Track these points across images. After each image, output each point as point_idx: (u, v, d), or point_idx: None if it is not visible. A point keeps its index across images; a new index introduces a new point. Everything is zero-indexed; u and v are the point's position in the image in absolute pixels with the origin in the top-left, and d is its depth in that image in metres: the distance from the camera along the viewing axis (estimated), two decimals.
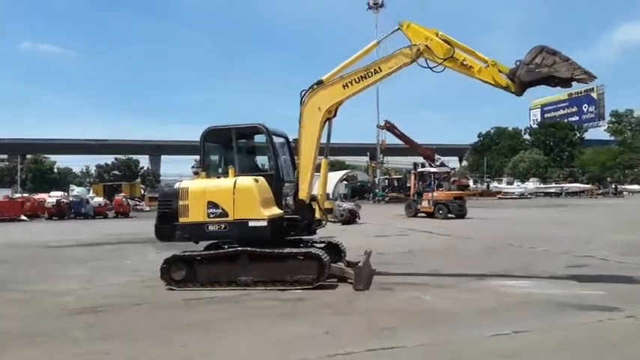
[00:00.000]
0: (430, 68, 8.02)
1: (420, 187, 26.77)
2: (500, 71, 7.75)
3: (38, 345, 5.28)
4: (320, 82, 8.21)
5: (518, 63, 7.53)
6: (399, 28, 8.15)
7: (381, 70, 8.05)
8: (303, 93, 8.23)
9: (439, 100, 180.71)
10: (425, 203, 25.38)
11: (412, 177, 30.22)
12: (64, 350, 5.04)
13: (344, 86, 8.12)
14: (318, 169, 8.53)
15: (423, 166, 36.93)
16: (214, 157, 9.29)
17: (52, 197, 35.22)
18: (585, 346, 4.86)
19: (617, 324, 5.58)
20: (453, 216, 24.01)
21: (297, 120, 8.24)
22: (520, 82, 7.53)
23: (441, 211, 24.34)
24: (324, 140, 8.42)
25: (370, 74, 8.06)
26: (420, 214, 25.51)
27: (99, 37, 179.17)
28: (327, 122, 8.32)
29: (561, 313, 6.04)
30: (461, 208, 24.53)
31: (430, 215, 24.86)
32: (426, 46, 7.85)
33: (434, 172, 27.87)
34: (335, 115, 8.33)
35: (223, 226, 7.69)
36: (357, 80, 8.08)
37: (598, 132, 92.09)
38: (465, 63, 7.82)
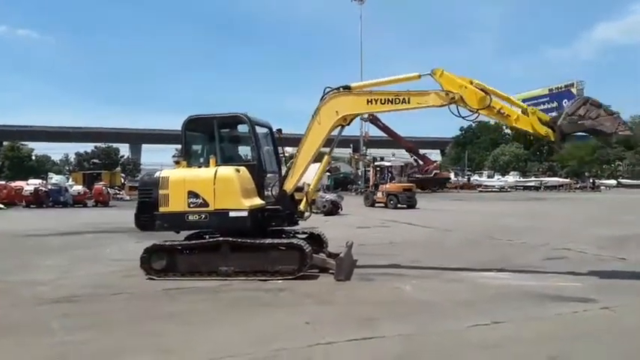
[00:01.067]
0: (462, 117, 7.89)
1: (377, 180, 29.09)
2: (539, 119, 7.61)
3: (12, 335, 5.18)
4: (347, 87, 8.06)
5: (559, 112, 7.45)
6: (430, 75, 7.82)
7: (409, 102, 7.83)
8: (327, 90, 8.11)
9: None
10: (379, 194, 27.41)
11: (372, 170, 32.53)
12: (39, 341, 4.95)
13: (368, 101, 7.95)
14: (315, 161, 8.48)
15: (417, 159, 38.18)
16: (196, 147, 9.17)
17: (29, 185, 34.45)
18: (562, 336, 4.94)
19: (593, 315, 5.68)
20: (404, 206, 25.79)
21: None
22: (561, 131, 7.41)
23: (391, 202, 26.21)
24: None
25: (397, 101, 7.84)
26: (377, 205, 27.03)
27: (78, 23, 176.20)
28: (340, 128, 8.25)
29: (539, 305, 6.13)
30: (409, 199, 26.36)
31: (386, 205, 26.54)
32: (461, 96, 7.59)
33: (388, 166, 30.12)
34: (349, 124, 8.22)
35: (204, 216, 7.62)
36: (383, 102, 7.90)
37: None
38: (502, 112, 7.62)
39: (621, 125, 7.20)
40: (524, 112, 7.72)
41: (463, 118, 7.93)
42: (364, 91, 8.09)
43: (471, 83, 7.67)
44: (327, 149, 8.76)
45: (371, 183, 30.92)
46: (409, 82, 8.11)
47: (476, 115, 7.77)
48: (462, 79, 7.74)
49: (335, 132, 8.28)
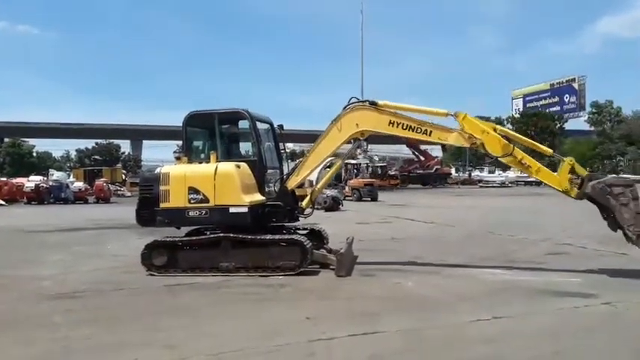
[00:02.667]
0: (484, 156, 7.78)
1: (347, 176, 33.36)
2: (572, 172, 7.48)
3: (15, 330, 5.21)
4: (374, 103, 7.94)
5: (595, 174, 7.33)
6: (453, 116, 7.70)
7: (430, 135, 7.79)
8: (352, 100, 8.06)
9: (423, 88, 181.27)
10: (347, 189, 30.69)
11: (344, 167, 36.34)
12: (42, 335, 4.98)
13: (390, 123, 7.87)
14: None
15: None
16: (197, 143, 9.19)
17: (30, 182, 34.43)
18: (562, 332, 4.96)
19: (594, 310, 5.69)
20: (368, 199, 28.77)
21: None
22: (585, 193, 7.31)
23: (355, 195, 29.45)
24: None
25: (420, 130, 7.79)
26: (347, 198, 28.57)
27: (79, 19, 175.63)
28: (355, 141, 8.32)
29: (539, 300, 6.15)
30: (370, 192, 29.38)
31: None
32: (482, 142, 7.50)
33: (354, 164, 34.30)
34: (366, 139, 8.24)
35: (204, 211, 7.64)
36: (405, 127, 7.84)
37: (578, 122, 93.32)
38: (523, 162, 7.50)
39: (634, 226, 6.96)
40: (552, 159, 7.57)
41: (485, 156, 7.80)
42: (389, 112, 7.94)
43: (495, 130, 7.60)
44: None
45: (342, 178, 33.90)
46: (435, 117, 8.05)
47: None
48: (485, 124, 7.73)
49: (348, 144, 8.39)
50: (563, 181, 7.43)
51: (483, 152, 7.70)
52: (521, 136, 7.66)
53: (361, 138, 8.22)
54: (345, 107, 8.05)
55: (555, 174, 7.56)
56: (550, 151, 7.81)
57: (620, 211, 7.01)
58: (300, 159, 8.51)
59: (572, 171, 7.58)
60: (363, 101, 8.06)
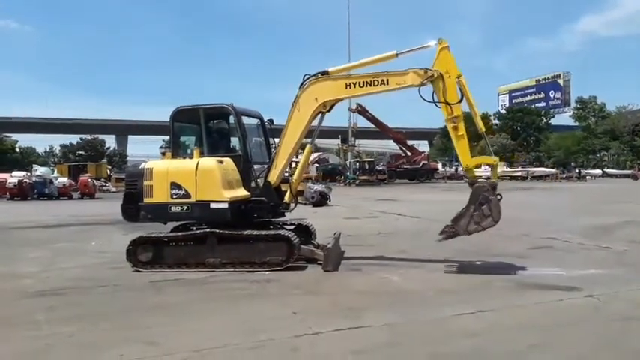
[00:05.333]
0: (425, 99, 7.48)
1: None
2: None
3: None
4: (325, 73, 7.94)
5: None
6: (435, 44, 7.50)
7: (388, 83, 7.68)
8: (305, 77, 8.00)
9: None
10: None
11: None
12: (23, 333, 4.91)
13: (347, 85, 7.83)
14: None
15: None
16: (184, 138, 9.13)
17: (13, 177, 33.91)
18: (546, 324, 5.01)
19: (577, 303, 5.76)
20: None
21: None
22: (471, 183, 7.50)
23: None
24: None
25: (377, 83, 7.69)
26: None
27: (61, 13, 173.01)
28: (320, 115, 8.12)
29: (523, 293, 6.20)
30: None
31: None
32: (441, 75, 7.34)
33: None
34: (329, 111, 8.09)
35: (186, 207, 7.61)
36: (362, 85, 7.78)
37: (563, 118, 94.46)
38: (455, 120, 7.31)
39: (459, 227, 7.44)
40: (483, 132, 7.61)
41: (426, 101, 7.48)
42: (342, 75, 7.96)
43: (459, 77, 7.42)
44: (315, 140, 8.73)
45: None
46: (387, 63, 8.02)
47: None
48: (455, 67, 7.43)
49: (315, 122, 8.22)
50: (471, 163, 7.50)
51: (434, 87, 7.40)
52: (470, 98, 7.47)
53: (324, 110, 8.07)
54: (300, 85, 8.02)
55: (470, 155, 7.54)
56: (483, 128, 7.67)
57: (470, 211, 7.34)
58: (274, 152, 8.37)
59: (491, 166, 7.96)
60: (315, 74, 8.01)
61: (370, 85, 7.74)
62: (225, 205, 7.52)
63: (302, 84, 8.02)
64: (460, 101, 7.41)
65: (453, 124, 7.37)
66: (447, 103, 7.34)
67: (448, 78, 7.36)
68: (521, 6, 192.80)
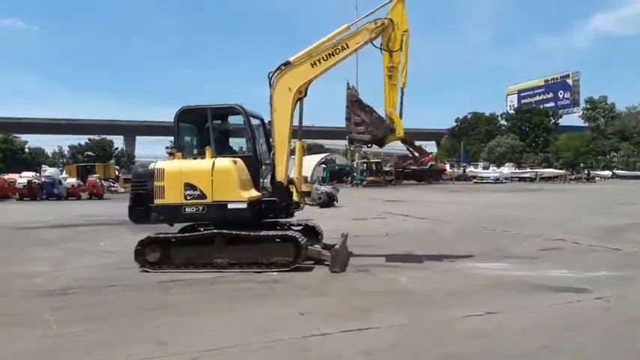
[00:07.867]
0: (375, 46, 8.12)
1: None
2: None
3: (5, 327, 5.16)
4: (287, 63, 8.08)
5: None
6: None
7: (348, 47, 8.07)
8: (270, 75, 8.09)
9: (417, 84, 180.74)
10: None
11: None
12: (33, 333, 4.93)
13: (312, 64, 8.06)
14: (293, 153, 8.44)
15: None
16: (189, 138, 9.13)
17: (23, 178, 34.19)
18: (555, 327, 4.97)
19: (586, 305, 5.72)
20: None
21: (268, 102, 8.14)
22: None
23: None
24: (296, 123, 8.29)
25: (338, 51, 8.06)
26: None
27: (68, 14, 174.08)
28: (299, 102, 8.20)
29: (532, 295, 6.17)
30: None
31: None
32: (391, 20, 7.98)
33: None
34: (305, 95, 8.22)
35: (201, 208, 7.58)
36: (325, 58, 8.05)
37: (573, 118, 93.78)
38: (392, 69, 8.03)
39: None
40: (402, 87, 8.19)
41: (375, 47, 8.12)
42: (305, 58, 8.14)
43: (405, 32, 8.05)
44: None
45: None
46: (341, 36, 8.31)
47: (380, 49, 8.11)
48: (404, 21, 8.09)
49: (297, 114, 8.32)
50: (391, 109, 8.19)
51: (382, 36, 8.04)
52: (407, 57, 8.13)
53: (301, 96, 8.18)
54: (269, 85, 8.10)
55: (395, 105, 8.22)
56: (405, 83, 8.25)
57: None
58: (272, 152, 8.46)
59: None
60: (277, 68, 8.12)
61: (333, 55, 8.11)
62: (244, 206, 7.50)
63: (270, 82, 8.10)
64: (399, 50, 8.04)
65: (390, 73, 8.09)
66: (389, 50, 8.02)
67: (397, 29, 8.01)
68: (531, 4, 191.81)
